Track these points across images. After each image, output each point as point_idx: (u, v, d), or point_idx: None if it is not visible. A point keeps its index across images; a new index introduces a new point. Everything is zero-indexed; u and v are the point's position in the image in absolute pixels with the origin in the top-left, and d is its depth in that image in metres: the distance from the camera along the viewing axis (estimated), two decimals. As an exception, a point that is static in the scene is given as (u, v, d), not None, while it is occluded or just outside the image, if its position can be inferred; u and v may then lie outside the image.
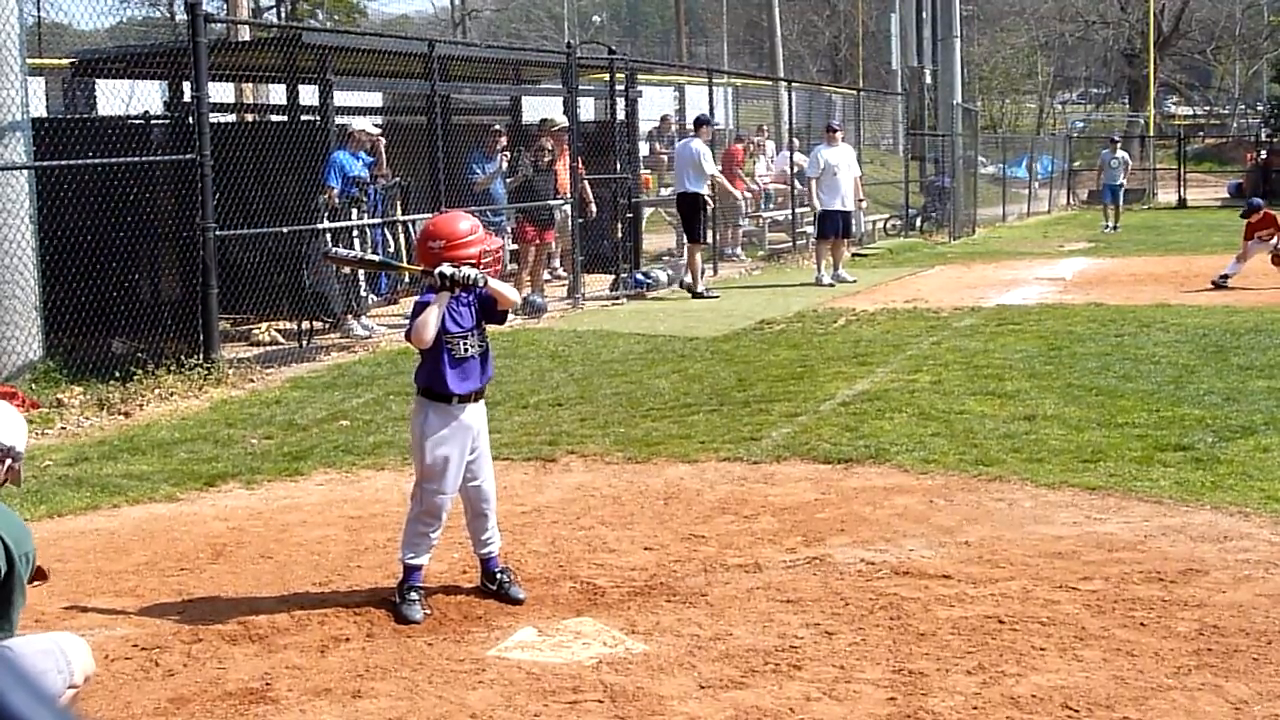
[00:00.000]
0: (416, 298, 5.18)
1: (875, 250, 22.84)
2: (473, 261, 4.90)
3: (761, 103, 33.39)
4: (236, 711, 4.18)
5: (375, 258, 5.28)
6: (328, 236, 11.95)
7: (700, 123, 16.89)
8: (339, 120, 13.30)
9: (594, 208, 15.77)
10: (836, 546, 5.70)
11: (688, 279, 16.11)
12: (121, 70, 14.09)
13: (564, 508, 6.53)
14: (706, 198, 16.24)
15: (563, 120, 15.52)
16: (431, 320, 4.91)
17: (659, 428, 8.21)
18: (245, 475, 7.34)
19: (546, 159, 14.89)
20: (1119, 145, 30.17)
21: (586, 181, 15.76)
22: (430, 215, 11.18)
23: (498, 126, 15.25)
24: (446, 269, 4.84)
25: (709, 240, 17.56)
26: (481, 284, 4.88)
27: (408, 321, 5.11)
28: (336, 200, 12.13)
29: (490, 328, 5.18)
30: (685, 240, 16.76)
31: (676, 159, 16.78)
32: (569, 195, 15.18)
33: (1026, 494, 6.46)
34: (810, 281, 17.21)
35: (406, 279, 11.84)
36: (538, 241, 14.81)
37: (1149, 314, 12.81)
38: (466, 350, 5.01)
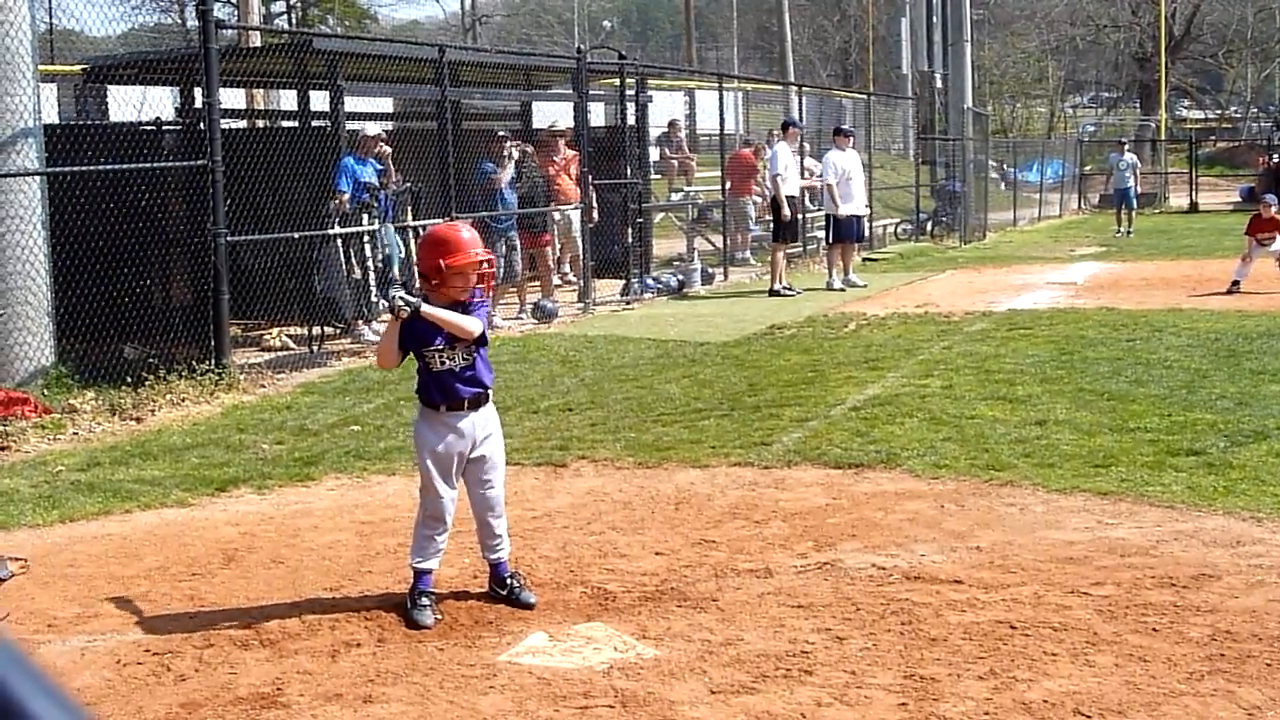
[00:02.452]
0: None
1: (886, 255, 22.81)
2: (457, 269, 4.89)
3: (772, 107, 33.40)
4: (248, 716, 4.18)
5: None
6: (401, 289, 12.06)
7: (786, 125, 17.01)
8: (350, 126, 13.33)
9: (596, 213, 15.75)
10: (847, 551, 5.70)
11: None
12: (133, 76, 14.15)
13: (575, 513, 6.53)
14: (794, 199, 16.60)
15: (549, 123, 15.64)
16: (382, 343, 5.17)
17: (670, 433, 8.21)
18: (256, 480, 7.35)
19: (534, 164, 14.81)
20: (1127, 148, 30.07)
21: (592, 186, 15.76)
22: (440, 221, 11.21)
23: (503, 133, 15.25)
24: (390, 292, 4.97)
25: (794, 240, 17.86)
26: (398, 310, 4.82)
27: None
28: (347, 205, 12.16)
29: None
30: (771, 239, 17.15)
31: (769, 164, 17.06)
32: (579, 201, 15.17)
33: (1038, 499, 6.45)
34: (820, 286, 17.23)
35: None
36: (533, 248, 14.79)
37: (1161, 318, 12.77)
38: (442, 363, 5.02)
